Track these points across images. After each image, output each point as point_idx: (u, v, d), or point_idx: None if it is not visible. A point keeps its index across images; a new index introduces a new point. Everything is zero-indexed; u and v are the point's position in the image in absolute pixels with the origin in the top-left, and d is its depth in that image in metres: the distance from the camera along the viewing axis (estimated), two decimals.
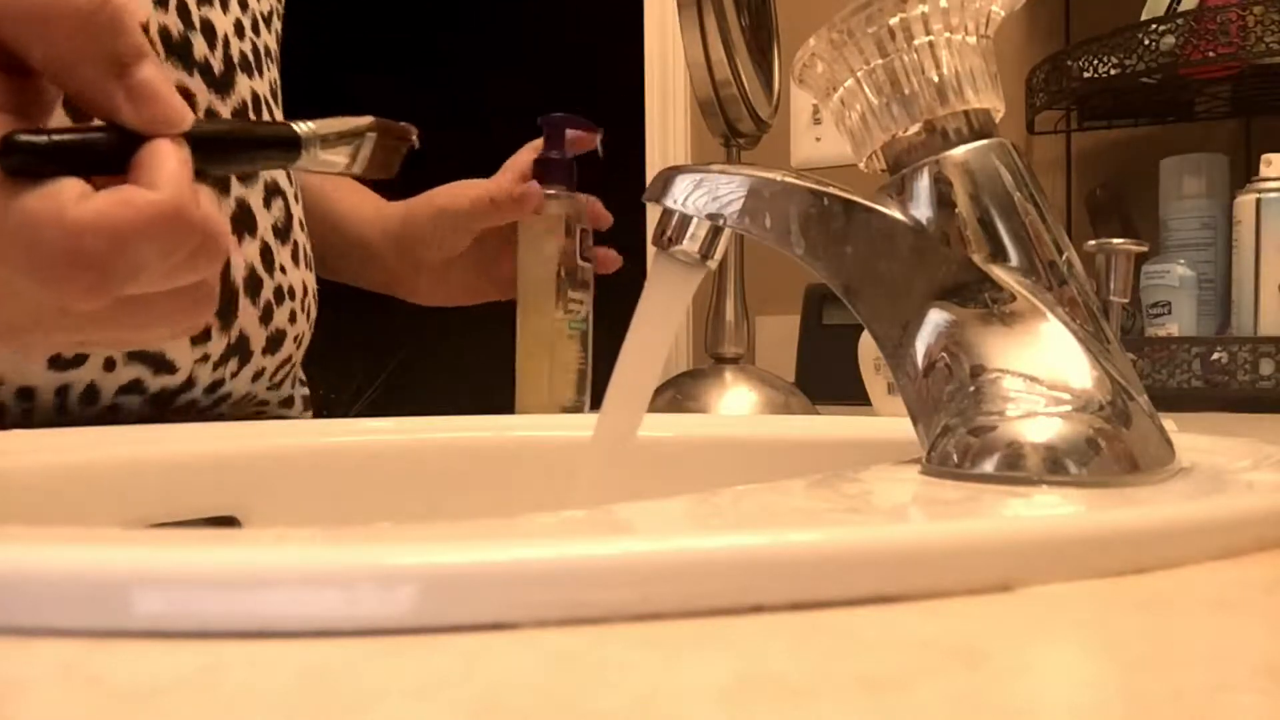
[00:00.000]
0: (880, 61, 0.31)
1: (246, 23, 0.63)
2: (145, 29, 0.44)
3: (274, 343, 0.62)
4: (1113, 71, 1.06)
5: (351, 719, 0.12)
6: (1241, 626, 0.17)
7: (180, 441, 0.47)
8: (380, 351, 2.68)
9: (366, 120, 0.43)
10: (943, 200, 0.31)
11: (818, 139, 1.47)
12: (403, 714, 0.12)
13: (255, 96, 0.62)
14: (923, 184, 0.31)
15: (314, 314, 0.68)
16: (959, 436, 0.29)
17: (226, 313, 0.59)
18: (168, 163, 0.35)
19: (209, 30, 0.59)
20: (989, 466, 0.28)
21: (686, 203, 0.34)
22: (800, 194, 0.32)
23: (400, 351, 2.69)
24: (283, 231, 0.63)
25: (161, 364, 0.56)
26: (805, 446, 0.53)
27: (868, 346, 0.71)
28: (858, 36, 0.32)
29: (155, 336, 0.41)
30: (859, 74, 0.32)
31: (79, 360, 0.53)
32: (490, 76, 2.63)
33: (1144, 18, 1.09)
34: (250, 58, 0.62)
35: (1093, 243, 0.58)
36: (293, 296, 0.64)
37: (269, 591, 0.15)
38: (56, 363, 0.53)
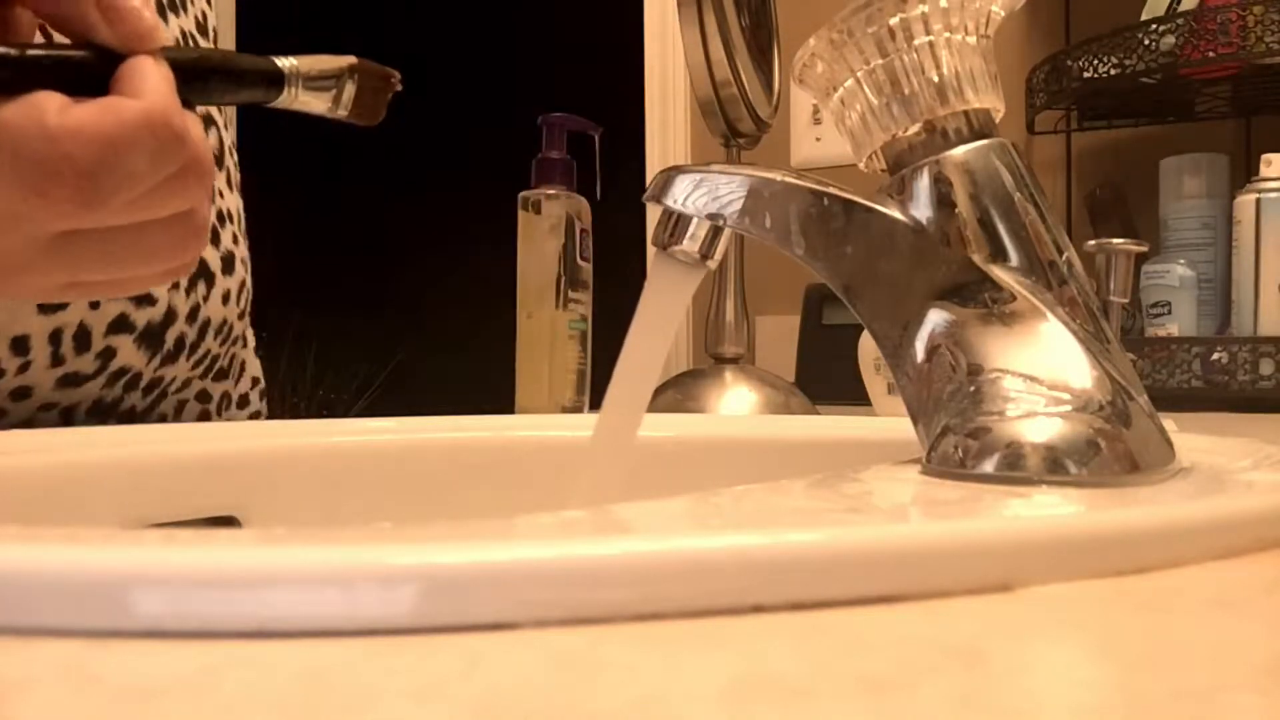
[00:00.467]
0: (880, 61, 0.31)
1: None
2: None
3: (227, 264, 0.64)
4: (1113, 71, 1.06)
5: (351, 719, 0.12)
6: (1241, 626, 0.17)
7: (180, 441, 0.47)
8: (380, 351, 2.68)
9: (349, 60, 0.42)
10: (943, 200, 0.31)
11: (818, 139, 1.47)
12: (403, 714, 0.12)
13: (182, 33, 0.63)
14: (923, 184, 0.31)
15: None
16: (959, 437, 0.29)
17: None
18: (150, 75, 0.35)
19: None
20: (989, 466, 0.28)
21: (686, 203, 0.34)
22: (800, 194, 0.32)
23: (400, 351, 2.69)
24: (218, 158, 0.65)
25: (141, 297, 0.58)
26: (805, 446, 0.53)
27: (868, 346, 0.71)
28: (858, 36, 0.32)
29: (150, 275, 0.40)
30: (859, 74, 0.32)
31: (65, 304, 0.54)
32: (490, 76, 2.63)
33: (1144, 18, 1.09)
34: None
35: (1093, 243, 0.58)
36: (232, 220, 0.66)
37: (269, 592, 0.15)
38: (45, 309, 0.54)
